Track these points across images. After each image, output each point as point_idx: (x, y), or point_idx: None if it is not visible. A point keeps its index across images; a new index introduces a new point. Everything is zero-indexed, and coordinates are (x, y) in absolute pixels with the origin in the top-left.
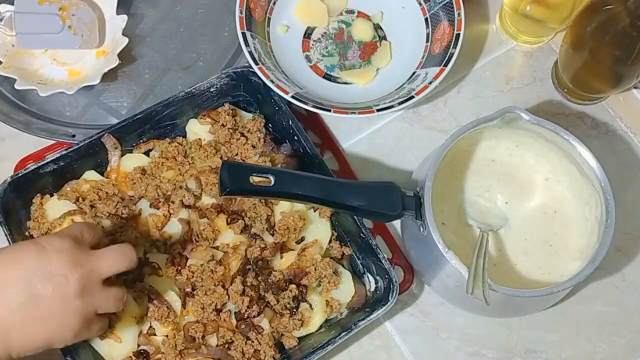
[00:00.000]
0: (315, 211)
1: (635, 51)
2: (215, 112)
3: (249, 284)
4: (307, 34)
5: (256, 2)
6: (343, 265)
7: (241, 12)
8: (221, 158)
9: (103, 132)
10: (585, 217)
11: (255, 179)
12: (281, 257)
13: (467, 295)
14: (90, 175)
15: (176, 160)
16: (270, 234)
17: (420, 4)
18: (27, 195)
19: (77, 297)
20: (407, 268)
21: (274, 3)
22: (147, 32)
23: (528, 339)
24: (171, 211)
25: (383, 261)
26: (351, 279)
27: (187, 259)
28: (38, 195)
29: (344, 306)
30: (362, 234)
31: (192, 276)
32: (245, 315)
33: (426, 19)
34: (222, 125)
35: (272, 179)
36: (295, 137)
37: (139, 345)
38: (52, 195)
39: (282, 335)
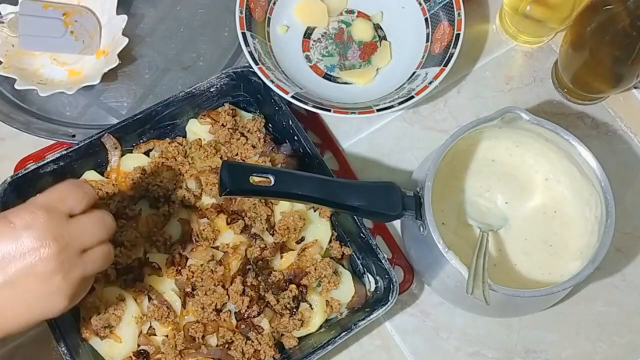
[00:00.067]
0: (315, 211)
1: (635, 51)
2: (215, 112)
3: (249, 284)
4: (307, 34)
5: (256, 2)
6: (343, 265)
7: (241, 12)
8: (221, 158)
9: (103, 132)
10: (585, 217)
11: (255, 179)
12: (281, 257)
13: (467, 295)
14: (90, 175)
15: (176, 160)
16: (270, 234)
17: (420, 4)
18: (27, 195)
19: (56, 273)
20: (407, 268)
21: (274, 3)
22: (147, 32)
23: (528, 339)
24: (171, 211)
25: (383, 261)
26: (351, 279)
27: (187, 259)
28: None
29: (344, 306)
30: (362, 234)
31: (192, 276)
32: (245, 315)
33: (426, 19)
34: (222, 125)
35: (272, 179)
36: (295, 137)
37: (139, 345)
38: None
39: (282, 335)
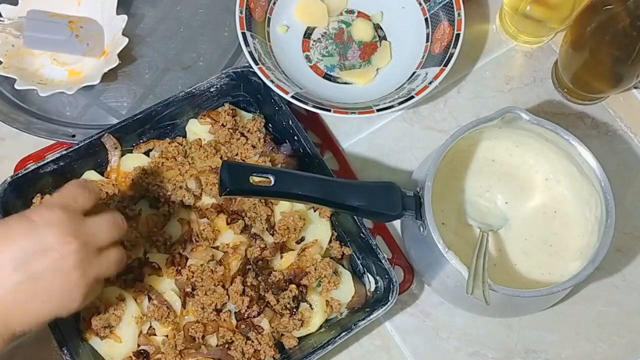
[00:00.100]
0: (315, 211)
1: (635, 51)
2: (215, 112)
3: (249, 284)
4: (307, 34)
5: (256, 2)
6: (343, 265)
7: (241, 12)
8: (221, 158)
9: (103, 132)
10: (585, 217)
11: (255, 179)
12: (281, 257)
13: (467, 295)
14: (90, 175)
15: (176, 160)
16: (270, 234)
17: (420, 4)
18: (27, 195)
19: (76, 270)
20: (407, 268)
21: (274, 3)
22: (147, 32)
23: (528, 339)
24: (171, 211)
25: (383, 261)
26: (351, 279)
27: (187, 259)
28: (38, 195)
29: (344, 306)
30: (362, 234)
31: (192, 276)
32: (245, 315)
33: (426, 19)
34: (222, 125)
35: (272, 179)
36: (295, 137)
37: (139, 345)
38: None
39: (282, 335)
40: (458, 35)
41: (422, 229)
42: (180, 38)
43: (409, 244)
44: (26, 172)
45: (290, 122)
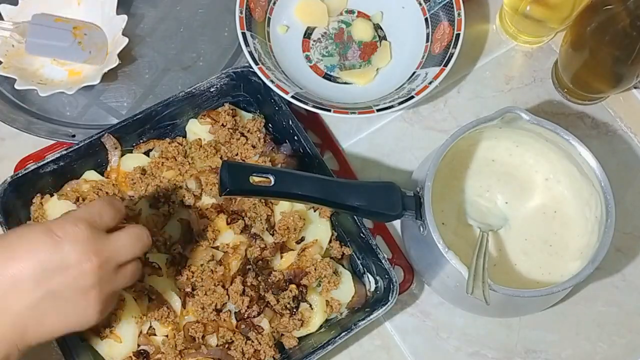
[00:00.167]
0: (315, 211)
1: (635, 51)
2: (215, 112)
3: (249, 284)
4: (307, 34)
5: (256, 2)
6: (343, 265)
7: (241, 12)
8: (221, 158)
9: (103, 132)
10: (585, 217)
11: (255, 179)
12: (281, 257)
13: (467, 295)
14: (90, 175)
15: (176, 160)
16: (270, 234)
17: (420, 4)
18: (27, 195)
19: (94, 288)
20: (407, 268)
21: (274, 3)
22: (147, 32)
23: (528, 339)
24: (171, 211)
25: (383, 261)
26: (351, 279)
27: (187, 259)
28: (38, 195)
29: (344, 306)
30: (362, 234)
31: (192, 276)
32: (245, 315)
33: (426, 19)
34: (222, 125)
35: (272, 179)
36: (295, 137)
37: (139, 345)
38: (52, 195)
39: (282, 335)
40: (458, 35)
41: (422, 229)
42: (180, 38)
43: (409, 244)
44: (26, 172)
45: (290, 122)
